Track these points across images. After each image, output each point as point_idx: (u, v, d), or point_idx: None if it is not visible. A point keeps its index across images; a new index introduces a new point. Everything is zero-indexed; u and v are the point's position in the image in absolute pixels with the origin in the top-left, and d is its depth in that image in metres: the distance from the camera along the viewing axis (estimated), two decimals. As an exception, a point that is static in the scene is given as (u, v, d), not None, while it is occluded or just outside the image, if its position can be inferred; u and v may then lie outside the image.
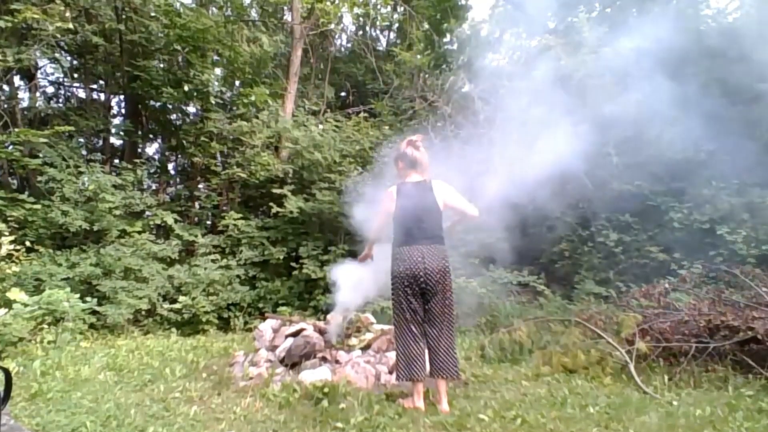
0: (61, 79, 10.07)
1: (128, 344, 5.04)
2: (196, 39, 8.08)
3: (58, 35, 6.93)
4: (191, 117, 9.58)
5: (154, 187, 10.18)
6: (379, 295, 4.88)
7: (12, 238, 5.30)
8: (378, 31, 11.93)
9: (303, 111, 8.43)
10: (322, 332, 3.95)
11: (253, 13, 10.69)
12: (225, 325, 6.53)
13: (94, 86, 10.24)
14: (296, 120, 8.04)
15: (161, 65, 8.71)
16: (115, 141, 9.91)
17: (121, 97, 9.84)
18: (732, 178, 6.04)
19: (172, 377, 3.68)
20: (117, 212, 6.80)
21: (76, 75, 9.99)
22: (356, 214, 3.87)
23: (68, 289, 5.13)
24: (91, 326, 5.50)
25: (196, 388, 3.34)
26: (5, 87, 7.77)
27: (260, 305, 6.87)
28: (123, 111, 10.07)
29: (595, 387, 3.48)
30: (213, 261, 6.97)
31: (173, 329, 6.15)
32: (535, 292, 6.47)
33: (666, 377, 3.57)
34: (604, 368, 3.78)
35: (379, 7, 10.51)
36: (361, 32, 11.64)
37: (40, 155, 7.16)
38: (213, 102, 8.56)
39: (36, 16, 6.17)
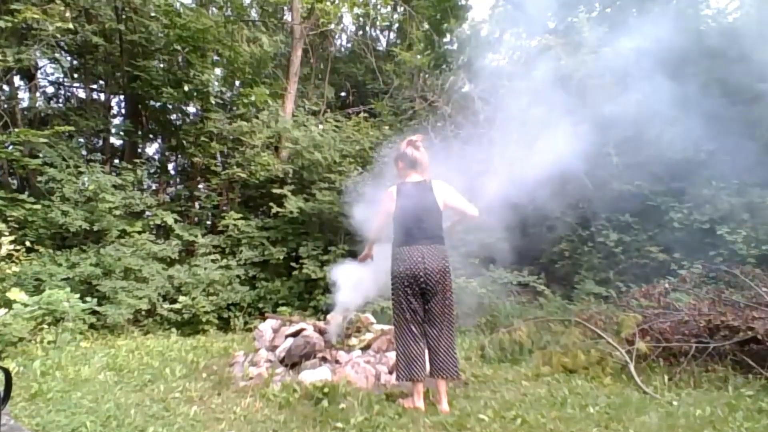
0: (61, 79, 10.08)
1: (128, 344, 5.04)
2: (196, 39, 8.08)
3: (58, 35, 6.93)
4: (191, 117, 9.59)
5: (154, 187, 10.18)
6: (379, 295, 4.88)
7: (12, 238, 5.29)
8: (378, 31, 11.94)
9: (303, 111, 8.43)
10: (322, 332, 3.94)
11: (253, 13, 10.69)
12: (225, 325, 6.53)
13: (94, 86, 10.25)
14: (296, 120, 8.04)
15: (161, 65, 8.71)
16: (115, 141, 9.92)
17: (121, 97, 9.85)
18: (732, 178, 6.04)
19: (172, 377, 3.68)
20: (117, 212, 6.80)
21: (76, 75, 10.00)
22: (356, 214, 3.87)
23: (68, 289, 5.13)
24: (91, 326, 5.50)
25: (196, 388, 3.34)
26: (5, 87, 7.77)
27: (260, 305, 6.87)
28: (123, 111, 10.08)
29: (595, 387, 3.48)
30: (213, 261, 6.97)
31: (173, 329, 6.15)
32: (535, 292, 6.47)
33: (666, 377, 3.57)
34: (604, 368, 3.78)
35: (379, 7, 10.51)
36: (361, 32, 11.65)
37: (40, 155, 7.16)
38: (213, 102, 8.56)
39: (36, 16, 6.17)
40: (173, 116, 9.62)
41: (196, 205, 9.23)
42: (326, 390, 3.03)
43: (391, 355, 3.59)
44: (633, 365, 3.63)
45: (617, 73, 5.63)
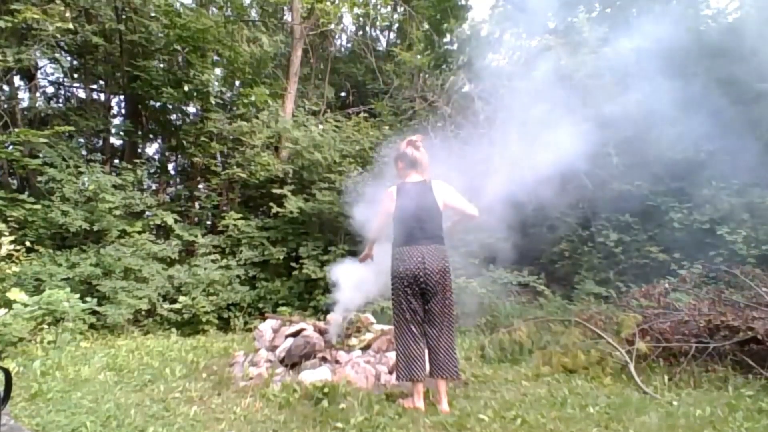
0: (61, 79, 10.09)
1: (128, 344, 5.04)
2: (196, 39, 8.08)
3: (58, 35, 6.93)
4: (191, 117, 9.59)
5: (154, 187, 10.18)
6: (379, 295, 4.87)
7: (12, 238, 5.30)
8: (378, 31, 11.94)
9: (303, 111, 8.43)
10: (322, 332, 3.95)
11: (253, 13, 10.69)
12: (225, 325, 6.53)
13: (94, 86, 10.26)
14: (296, 120, 8.04)
15: (161, 65, 8.72)
16: (115, 141, 9.93)
17: (121, 97, 9.85)
18: (732, 178, 6.04)
19: (172, 377, 3.68)
20: (117, 212, 6.80)
21: (76, 75, 10.01)
22: (356, 214, 3.87)
23: (68, 289, 5.13)
24: (91, 326, 5.50)
25: (196, 388, 3.34)
26: (5, 87, 7.78)
27: (260, 305, 6.87)
28: (123, 111, 10.08)
29: (595, 387, 3.48)
30: (213, 261, 6.97)
31: (173, 329, 6.15)
32: (535, 292, 6.47)
33: (666, 377, 3.57)
34: (604, 368, 3.78)
35: (379, 7, 10.52)
36: (361, 32, 11.65)
37: (40, 155, 7.17)
38: (213, 102, 8.56)
39: (36, 16, 6.18)
40: (173, 116, 9.63)
41: (196, 205, 9.24)
42: (326, 390, 3.03)
43: (391, 355, 3.59)
44: (633, 365, 3.63)
45: (617, 73, 5.63)
